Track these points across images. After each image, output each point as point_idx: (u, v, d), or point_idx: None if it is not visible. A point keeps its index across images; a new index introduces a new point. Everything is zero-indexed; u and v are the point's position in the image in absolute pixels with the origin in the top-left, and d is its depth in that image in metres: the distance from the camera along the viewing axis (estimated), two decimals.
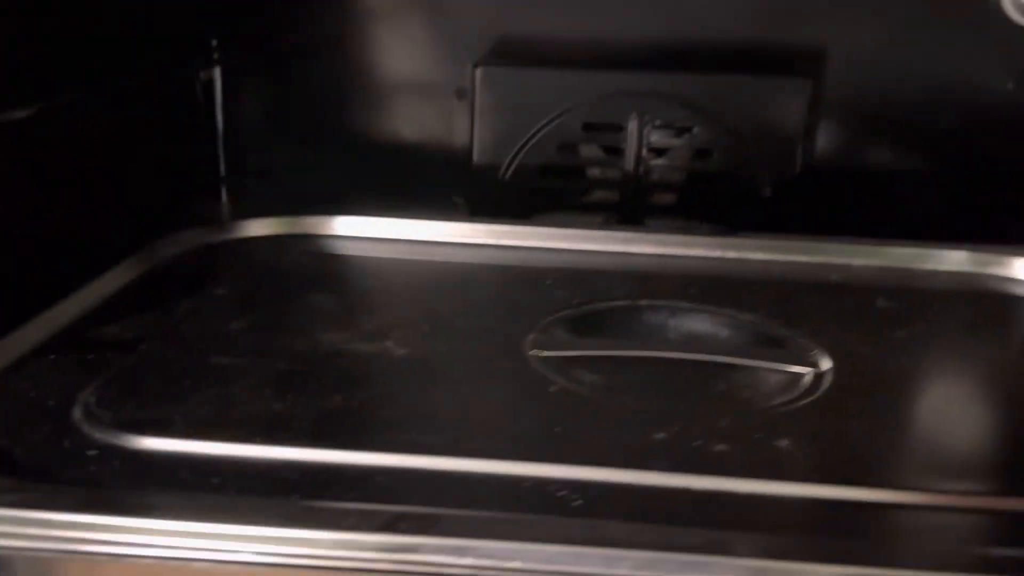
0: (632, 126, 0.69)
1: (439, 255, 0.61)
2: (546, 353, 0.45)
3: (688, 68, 0.69)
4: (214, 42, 0.71)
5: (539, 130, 0.70)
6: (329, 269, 0.57)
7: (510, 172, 0.71)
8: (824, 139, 0.70)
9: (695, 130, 0.69)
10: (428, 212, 0.66)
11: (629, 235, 0.62)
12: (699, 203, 0.72)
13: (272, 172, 0.75)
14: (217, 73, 0.72)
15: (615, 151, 0.70)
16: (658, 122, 0.69)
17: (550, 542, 0.29)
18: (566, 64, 0.70)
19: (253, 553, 0.29)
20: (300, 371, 0.42)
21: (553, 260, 0.61)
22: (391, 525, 0.30)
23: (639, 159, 0.70)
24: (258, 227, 0.62)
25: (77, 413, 0.37)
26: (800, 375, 0.43)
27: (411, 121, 0.74)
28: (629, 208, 0.71)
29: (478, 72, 0.69)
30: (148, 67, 0.64)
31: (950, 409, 0.43)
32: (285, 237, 0.62)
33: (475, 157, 0.71)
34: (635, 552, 0.28)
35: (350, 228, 0.63)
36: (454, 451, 0.35)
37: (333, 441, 0.35)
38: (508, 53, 0.71)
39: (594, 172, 0.72)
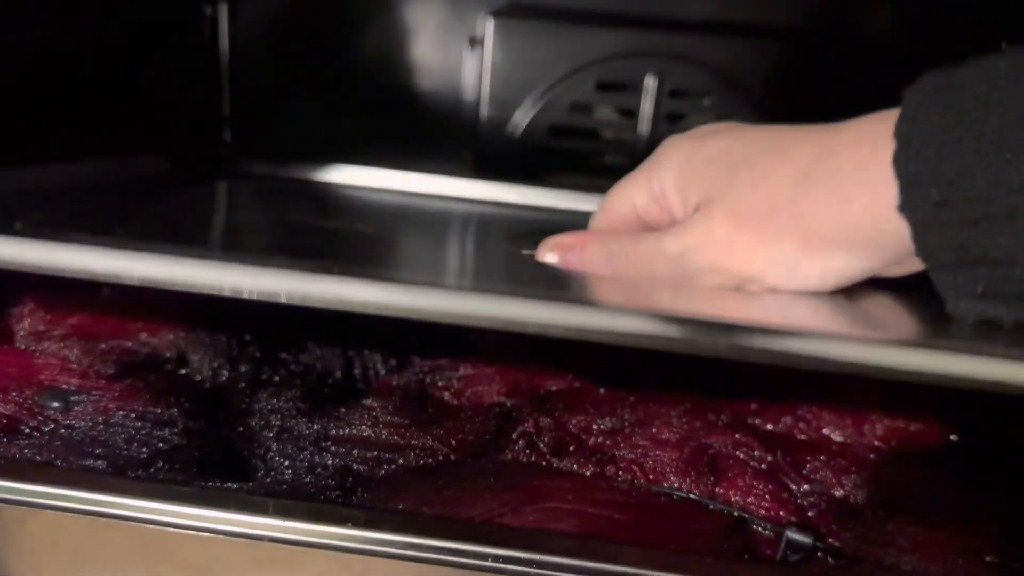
0: (648, 87, 0.66)
1: (428, 205, 0.59)
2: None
3: (711, 30, 0.66)
4: None
5: (551, 87, 0.67)
6: (311, 200, 0.56)
7: (520, 130, 0.69)
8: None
9: (715, 96, 0.66)
10: (431, 167, 0.64)
11: None
12: None
13: (279, 115, 0.74)
14: (224, 10, 0.69)
15: (630, 114, 0.67)
16: (676, 85, 0.66)
17: None
18: (584, 19, 0.67)
19: None
20: None
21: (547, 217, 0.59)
22: None
23: (655, 122, 0.67)
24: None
25: None
26: None
27: (422, 69, 0.71)
28: None
29: (491, 22, 0.66)
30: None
31: None
32: (273, 179, 0.60)
33: (484, 112, 0.69)
34: None
35: (341, 177, 0.62)
36: None
37: None
38: (525, 3, 0.68)
39: (607, 134, 0.69)
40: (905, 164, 0.29)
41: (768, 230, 0.34)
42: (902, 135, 0.30)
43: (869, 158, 0.31)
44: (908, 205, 0.30)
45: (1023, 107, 0.27)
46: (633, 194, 0.38)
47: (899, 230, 0.30)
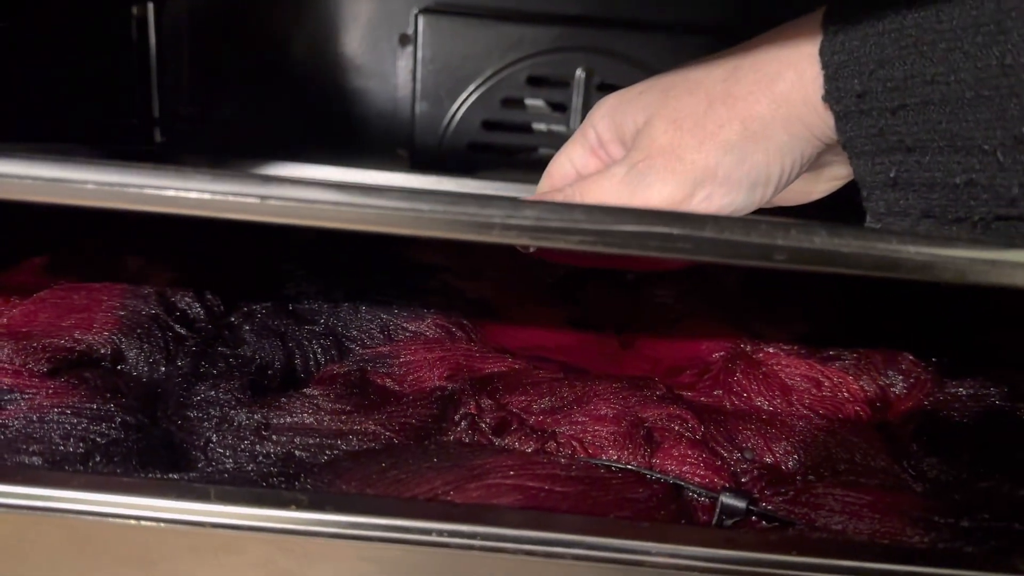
0: (578, 81, 0.67)
1: None
2: None
3: (637, 25, 0.67)
4: None
5: (483, 82, 0.68)
6: None
7: (454, 125, 0.69)
8: None
9: None
10: (367, 163, 0.64)
11: None
12: None
13: (210, 116, 0.73)
14: (151, 9, 0.69)
15: (561, 107, 0.69)
16: (605, 79, 0.67)
17: None
18: (512, 15, 0.67)
19: None
20: None
21: None
22: None
23: (585, 115, 0.68)
24: None
25: None
26: None
27: (354, 67, 0.71)
28: None
29: (421, 19, 0.67)
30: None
31: None
32: None
33: (418, 108, 0.69)
34: None
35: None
36: None
37: None
38: (454, 0, 0.68)
39: (539, 127, 0.70)
40: (830, 54, 0.31)
41: (708, 124, 0.34)
42: (829, 27, 0.31)
43: (796, 43, 0.32)
44: (832, 95, 0.31)
45: (938, 3, 0.29)
46: (570, 152, 0.39)
47: (826, 110, 0.32)
